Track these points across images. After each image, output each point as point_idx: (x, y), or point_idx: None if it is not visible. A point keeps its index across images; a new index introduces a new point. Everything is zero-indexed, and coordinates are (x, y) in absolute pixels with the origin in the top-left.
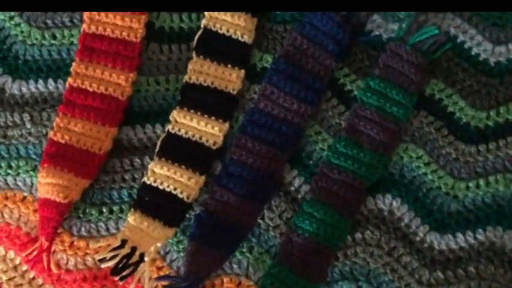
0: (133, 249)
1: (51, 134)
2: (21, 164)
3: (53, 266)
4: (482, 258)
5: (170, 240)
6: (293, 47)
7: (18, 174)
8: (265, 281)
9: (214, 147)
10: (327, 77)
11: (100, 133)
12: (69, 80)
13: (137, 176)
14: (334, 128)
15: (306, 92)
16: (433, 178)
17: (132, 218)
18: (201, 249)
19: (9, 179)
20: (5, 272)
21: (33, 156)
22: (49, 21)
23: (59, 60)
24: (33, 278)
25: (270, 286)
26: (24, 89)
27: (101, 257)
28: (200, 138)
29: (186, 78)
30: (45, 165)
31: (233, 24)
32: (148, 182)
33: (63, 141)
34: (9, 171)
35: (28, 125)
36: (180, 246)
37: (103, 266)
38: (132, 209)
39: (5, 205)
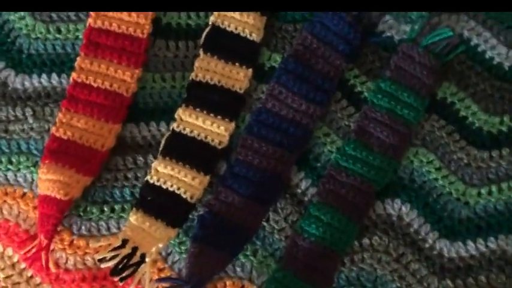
0: (135, 249)
1: (53, 129)
2: (22, 159)
3: (51, 265)
4: (494, 267)
5: (172, 241)
6: (303, 46)
7: (18, 170)
8: (269, 285)
9: (220, 147)
10: (336, 77)
11: (103, 130)
12: (73, 75)
13: (140, 174)
14: (343, 130)
15: (315, 92)
16: (443, 183)
17: (134, 218)
18: (204, 251)
19: (10, 175)
20: (2, 269)
21: (35, 152)
22: (54, 15)
23: (63, 54)
24: (31, 277)
25: None
26: (27, 83)
27: (100, 257)
28: (205, 137)
29: (192, 75)
30: (47, 161)
31: (242, 22)
32: (152, 181)
33: (65, 137)
34: (9, 166)
35: (30, 120)
36: (183, 248)
37: (103, 266)
38: (134, 208)
39: (5, 201)
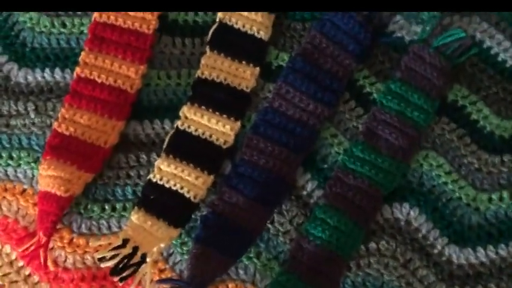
0: (135, 249)
1: (55, 125)
2: (22, 155)
3: (50, 263)
4: (504, 275)
5: (174, 242)
6: (311, 45)
7: (19, 165)
8: None
9: (225, 146)
10: (345, 77)
11: (106, 126)
12: (77, 70)
13: (143, 172)
14: (351, 131)
15: (323, 92)
16: (453, 188)
17: (135, 217)
18: (206, 252)
19: (10, 170)
20: (0, 267)
21: (36, 148)
22: None
23: (67, 49)
24: (29, 275)
25: None
26: (30, 78)
27: (100, 256)
28: (210, 136)
29: (198, 73)
30: (48, 157)
31: (249, 19)
32: (154, 180)
33: (67, 133)
34: (10, 162)
35: (32, 115)
36: (185, 248)
37: (103, 265)
38: (135, 207)
39: (4, 197)
